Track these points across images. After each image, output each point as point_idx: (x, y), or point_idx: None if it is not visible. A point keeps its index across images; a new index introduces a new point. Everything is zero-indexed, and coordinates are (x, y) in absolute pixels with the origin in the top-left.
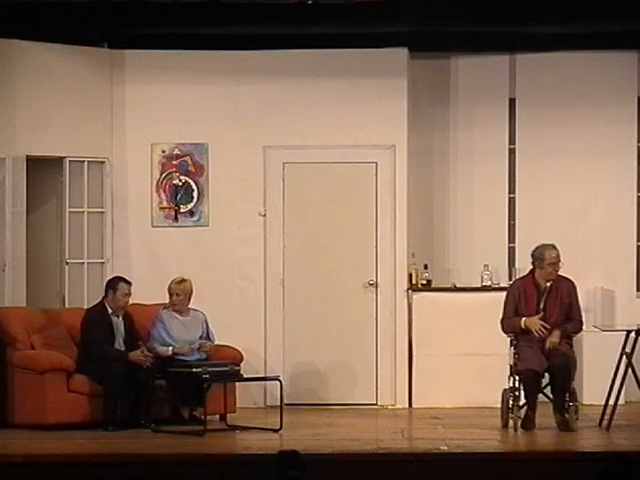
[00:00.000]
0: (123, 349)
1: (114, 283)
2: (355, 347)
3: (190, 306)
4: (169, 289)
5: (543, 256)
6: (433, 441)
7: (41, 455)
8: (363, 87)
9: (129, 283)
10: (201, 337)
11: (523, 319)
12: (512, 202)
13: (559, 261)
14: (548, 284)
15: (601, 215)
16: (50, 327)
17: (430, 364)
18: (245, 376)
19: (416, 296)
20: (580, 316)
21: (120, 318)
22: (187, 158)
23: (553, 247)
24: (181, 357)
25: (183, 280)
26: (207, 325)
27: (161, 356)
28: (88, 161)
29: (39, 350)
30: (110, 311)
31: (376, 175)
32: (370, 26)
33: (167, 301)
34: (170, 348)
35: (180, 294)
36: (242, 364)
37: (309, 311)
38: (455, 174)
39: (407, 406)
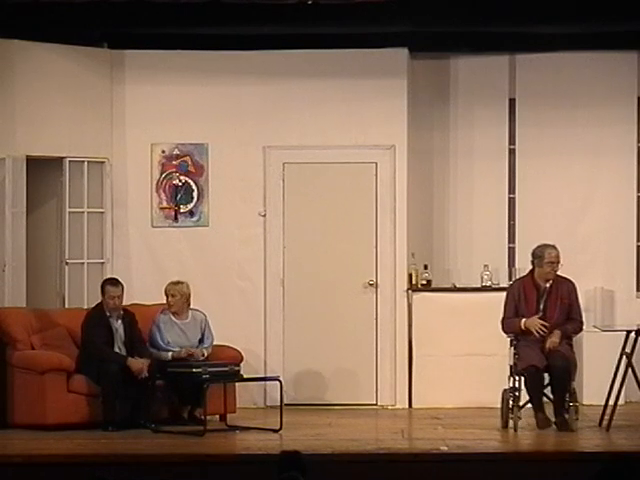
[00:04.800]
0: (123, 352)
1: (102, 286)
2: (355, 347)
3: (191, 307)
4: (165, 290)
5: (542, 254)
6: (433, 441)
7: (41, 455)
8: (363, 87)
9: (117, 285)
10: (200, 340)
11: (523, 320)
12: (512, 202)
13: (558, 261)
14: (548, 284)
15: (601, 215)
16: (50, 327)
17: (430, 364)
18: (245, 376)
19: (416, 296)
20: (580, 316)
21: (119, 321)
22: (187, 158)
23: (553, 247)
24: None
25: (179, 282)
26: (206, 326)
27: (162, 359)
28: (88, 161)
29: (39, 350)
30: (107, 314)
31: (376, 175)
32: (370, 26)
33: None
34: (170, 354)
35: (175, 294)
36: (242, 364)
37: (309, 311)
38: (455, 174)
39: (407, 406)
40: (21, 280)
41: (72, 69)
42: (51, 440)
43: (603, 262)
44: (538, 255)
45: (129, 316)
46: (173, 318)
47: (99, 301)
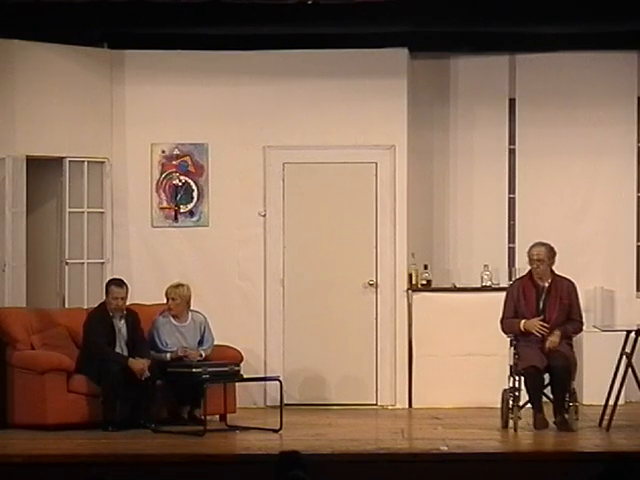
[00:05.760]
0: (125, 352)
1: (107, 286)
2: (355, 347)
3: (191, 308)
4: (166, 293)
5: (528, 253)
6: (433, 441)
7: (41, 455)
8: (363, 87)
9: (122, 286)
10: (199, 342)
11: (522, 322)
12: (512, 202)
13: (542, 259)
14: (547, 284)
15: (601, 215)
16: (50, 327)
17: (430, 364)
18: (245, 376)
19: (416, 296)
20: (580, 316)
21: (122, 321)
22: (187, 158)
23: (541, 245)
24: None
25: (180, 284)
26: (206, 328)
27: (161, 360)
28: (88, 161)
29: (39, 350)
30: (110, 313)
31: (376, 175)
32: (370, 26)
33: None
34: (168, 355)
35: (176, 298)
36: (242, 364)
37: (309, 311)
38: (455, 174)
39: (407, 406)
40: (21, 280)
41: (72, 69)
42: (51, 440)
43: (603, 262)
44: (527, 254)
45: (132, 316)
46: (172, 320)
47: (102, 301)
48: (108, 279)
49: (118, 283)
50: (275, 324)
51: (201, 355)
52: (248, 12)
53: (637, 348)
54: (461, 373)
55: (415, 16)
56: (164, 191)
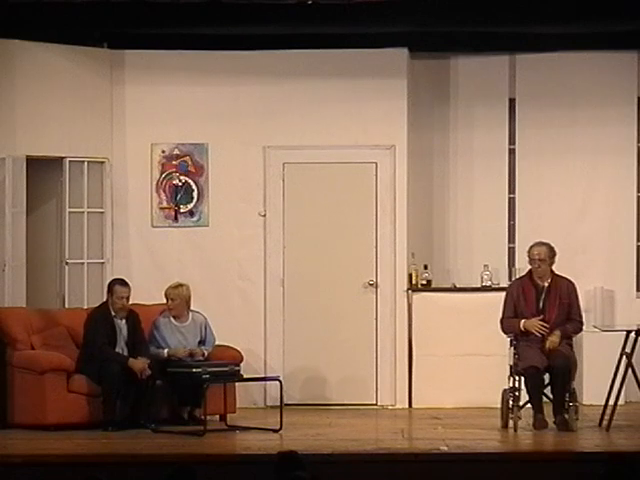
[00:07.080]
0: (125, 352)
1: (111, 285)
2: (355, 347)
3: (191, 308)
4: (165, 294)
5: (528, 252)
6: (433, 441)
7: (41, 455)
8: (363, 87)
9: (126, 285)
10: (200, 342)
11: (522, 321)
12: (512, 202)
13: (543, 259)
14: (546, 283)
15: (601, 215)
16: (50, 327)
17: (430, 364)
18: (245, 376)
19: (416, 296)
20: (580, 316)
21: (123, 321)
22: (187, 158)
23: (541, 244)
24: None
25: (180, 285)
26: (206, 328)
27: (159, 358)
28: (88, 161)
29: (39, 350)
30: (113, 313)
31: (376, 175)
32: (370, 26)
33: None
34: (165, 351)
35: (175, 299)
36: (242, 364)
37: (309, 311)
38: (455, 174)
39: (407, 406)
40: (21, 280)
41: (72, 69)
42: (51, 440)
43: (603, 262)
44: (527, 254)
45: (133, 316)
46: (173, 321)
47: (103, 301)
48: (110, 279)
49: (122, 282)
50: (275, 324)
51: (204, 354)
52: (248, 12)
53: (637, 348)
54: (461, 373)
55: (415, 16)
56: (164, 191)
